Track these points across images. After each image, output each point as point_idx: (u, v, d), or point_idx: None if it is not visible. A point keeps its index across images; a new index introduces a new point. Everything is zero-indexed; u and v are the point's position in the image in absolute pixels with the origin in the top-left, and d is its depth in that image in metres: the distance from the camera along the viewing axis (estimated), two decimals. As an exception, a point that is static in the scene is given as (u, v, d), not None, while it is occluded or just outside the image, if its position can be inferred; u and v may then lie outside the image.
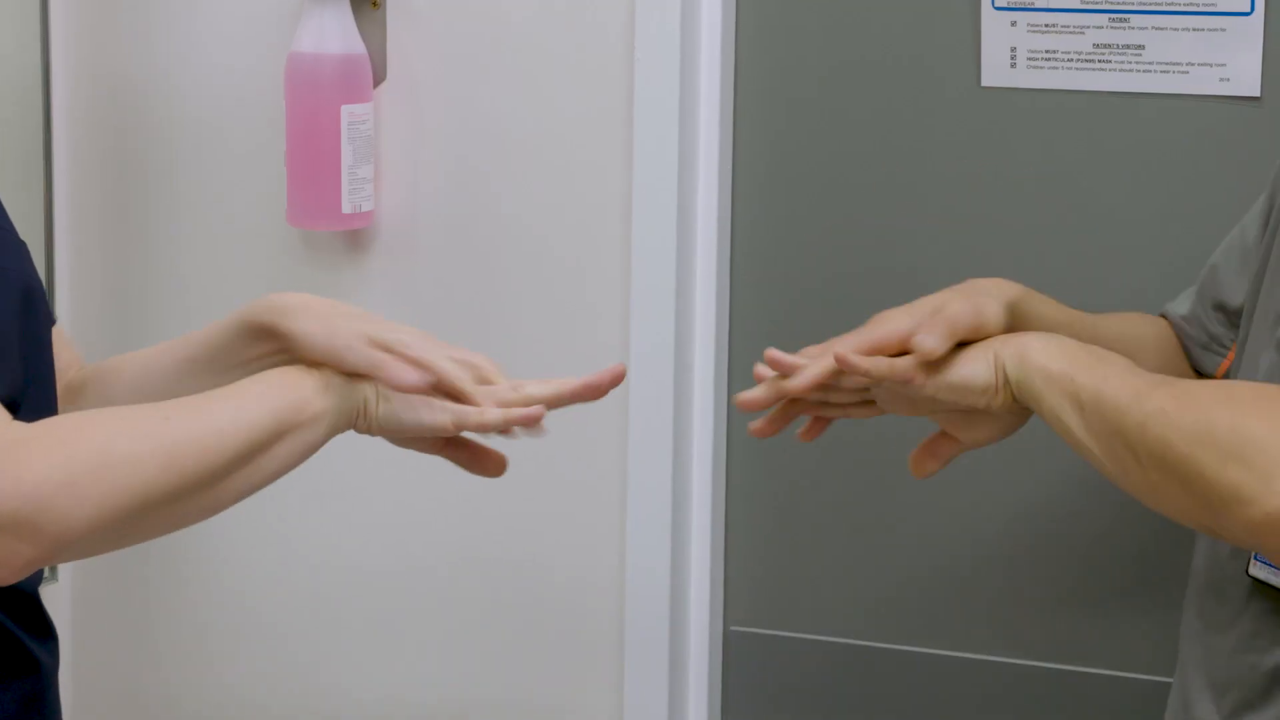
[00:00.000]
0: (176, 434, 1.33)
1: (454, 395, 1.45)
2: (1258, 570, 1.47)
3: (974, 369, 1.49)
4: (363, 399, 1.43)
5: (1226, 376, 1.66)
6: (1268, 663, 1.46)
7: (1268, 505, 1.30)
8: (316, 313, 1.46)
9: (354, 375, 1.43)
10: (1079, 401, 1.43)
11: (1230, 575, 1.51)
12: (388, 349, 1.42)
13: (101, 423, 1.33)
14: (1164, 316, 1.74)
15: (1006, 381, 1.48)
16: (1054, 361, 1.46)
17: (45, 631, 1.49)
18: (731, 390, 2.17)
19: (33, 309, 1.47)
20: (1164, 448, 1.36)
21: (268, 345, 1.49)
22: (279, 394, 1.39)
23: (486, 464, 1.54)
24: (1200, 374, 1.69)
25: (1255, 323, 1.56)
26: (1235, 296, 1.66)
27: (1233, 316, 1.67)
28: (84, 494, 1.28)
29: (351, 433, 1.51)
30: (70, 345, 1.65)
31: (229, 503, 1.37)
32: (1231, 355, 1.67)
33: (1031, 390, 1.47)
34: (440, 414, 1.44)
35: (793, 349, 2.14)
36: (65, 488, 1.27)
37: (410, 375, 1.41)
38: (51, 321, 1.58)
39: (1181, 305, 1.72)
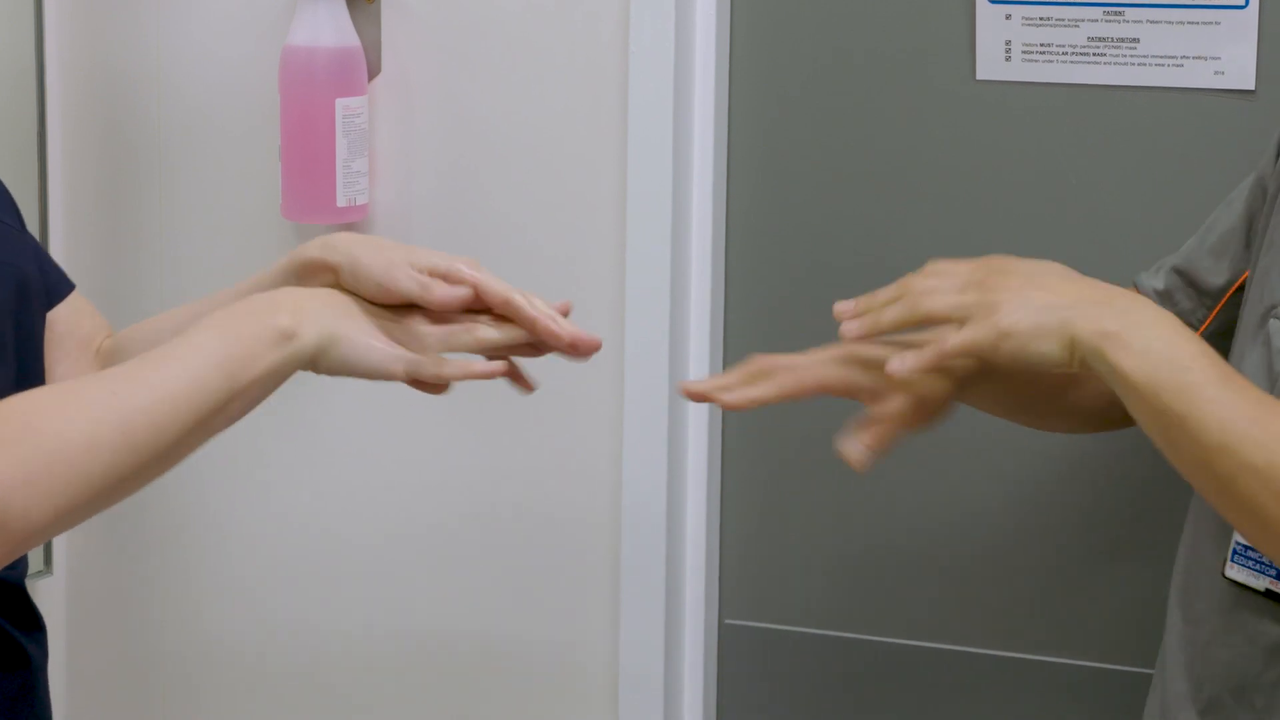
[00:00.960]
0: (126, 410, 1.29)
1: (506, 312, 1.45)
2: (1234, 573, 1.47)
3: (1043, 347, 1.39)
4: (314, 345, 1.39)
5: None
6: (1242, 661, 1.46)
7: None
8: (370, 244, 1.45)
9: (377, 305, 1.42)
10: (1164, 422, 1.36)
11: (1208, 571, 1.50)
12: (438, 273, 1.42)
13: (50, 410, 1.29)
14: (1135, 287, 1.73)
15: (1084, 363, 1.39)
16: (1144, 365, 1.36)
17: (33, 624, 1.49)
18: (726, 384, 2.17)
19: (26, 302, 1.47)
20: (1257, 507, 1.33)
21: (319, 281, 1.46)
22: (228, 349, 1.35)
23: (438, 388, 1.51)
24: None
25: (1243, 320, 1.56)
26: (1208, 276, 1.65)
27: (1203, 296, 1.66)
28: (42, 489, 1.25)
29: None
30: (95, 313, 1.63)
31: (181, 459, 1.35)
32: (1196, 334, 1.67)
33: (1112, 381, 1.38)
34: (394, 363, 1.41)
35: (786, 343, 2.14)
36: (22, 487, 1.24)
37: (452, 292, 1.41)
38: (69, 287, 1.57)
39: (1157, 279, 1.71)
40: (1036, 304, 1.38)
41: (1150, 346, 1.35)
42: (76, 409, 1.30)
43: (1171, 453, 1.37)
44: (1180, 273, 1.68)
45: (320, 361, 1.40)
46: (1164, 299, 1.68)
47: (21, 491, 1.24)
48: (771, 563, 2.17)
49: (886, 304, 1.45)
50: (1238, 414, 1.33)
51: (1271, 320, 1.47)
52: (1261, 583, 1.45)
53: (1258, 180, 1.62)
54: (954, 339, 1.39)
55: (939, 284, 1.42)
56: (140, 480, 1.32)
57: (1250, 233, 1.62)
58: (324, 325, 1.39)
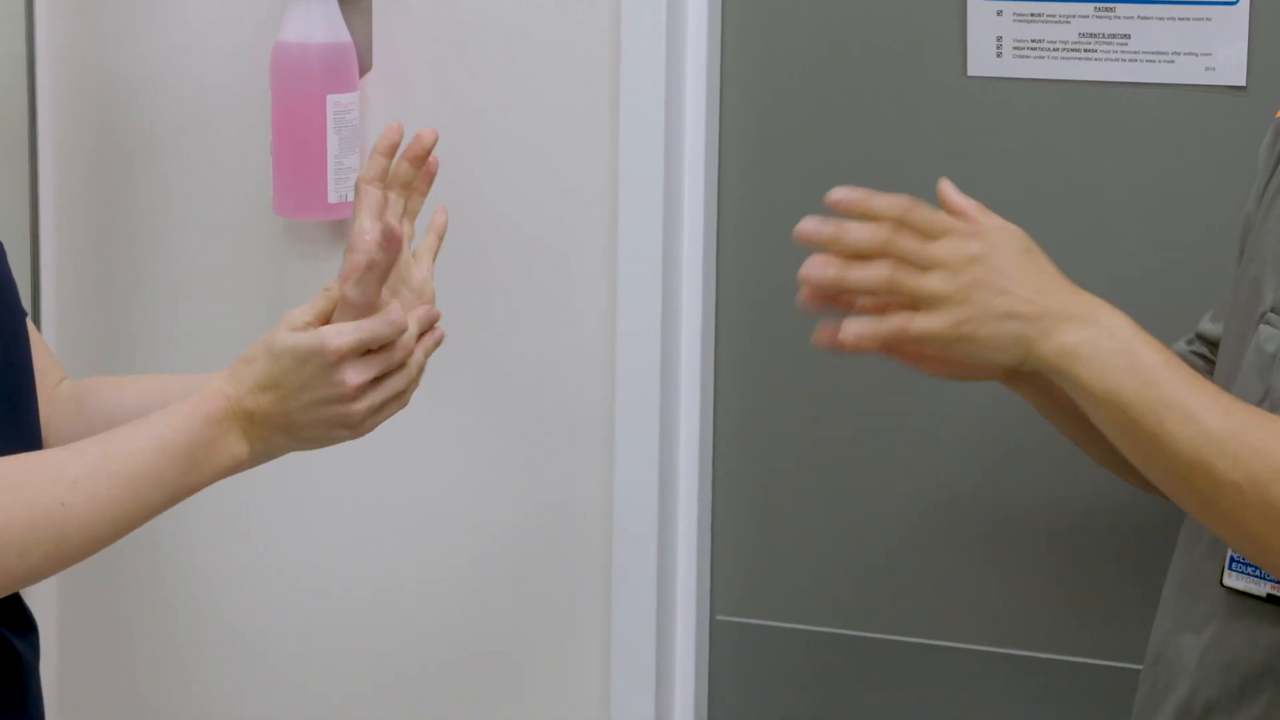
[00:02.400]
0: (69, 523, 1.33)
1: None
2: (1233, 581, 1.46)
3: (996, 357, 1.37)
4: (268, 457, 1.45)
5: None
6: (1241, 665, 1.45)
7: None
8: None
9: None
10: (1134, 438, 1.34)
11: (1205, 578, 1.49)
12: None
13: None
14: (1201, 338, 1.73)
15: (1037, 373, 1.37)
16: (1106, 380, 1.33)
17: (24, 624, 1.48)
18: (718, 382, 2.17)
19: (2, 301, 1.47)
20: (1240, 521, 1.31)
21: None
22: (180, 477, 1.40)
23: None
24: None
25: (1229, 332, 1.56)
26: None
27: None
28: None
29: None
30: (49, 351, 1.64)
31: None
32: None
33: (1077, 397, 1.36)
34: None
35: (778, 342, 2.15)
36: None
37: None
38: (23, 313, 1.58)
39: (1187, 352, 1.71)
40: (999, 312, 1.36)
41: (1113, 361, 1.34)
42: (21, 511, 1.31)
43: (1149, 470, 1.36)
44: (1206, 341, 1.67)
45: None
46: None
47: None
48: (763, 558, 2.17)
49: (868, 251, 1.39)
50: (1209, 429, 1.31)
51: (1262, 326, 1.47)
52: (1263, 589, 1.43)
53: (1245, 221, 1.63)
54: (916, 324, 1.36)
55: (929, 256, 1.37)
56: (56, 571, 1.35)
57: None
58: (278, 447, 1.45)
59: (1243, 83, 1.93)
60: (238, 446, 1.43)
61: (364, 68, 2.16)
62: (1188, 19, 1.94)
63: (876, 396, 2.10)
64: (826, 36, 2.08)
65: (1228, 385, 1.49)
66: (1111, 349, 1.34)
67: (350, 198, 2.14)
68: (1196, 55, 1.95)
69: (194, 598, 2.33)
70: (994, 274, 1.37)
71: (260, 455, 1.45)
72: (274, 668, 2.31)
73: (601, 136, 2.11)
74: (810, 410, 2.14)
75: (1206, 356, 1.68)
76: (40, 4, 2.25)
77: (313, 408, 1.43)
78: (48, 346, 1.64)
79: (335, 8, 2.12)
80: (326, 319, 1.44)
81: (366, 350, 1.42)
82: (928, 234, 1.38)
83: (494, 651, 2.23)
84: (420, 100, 2.16)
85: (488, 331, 2.16)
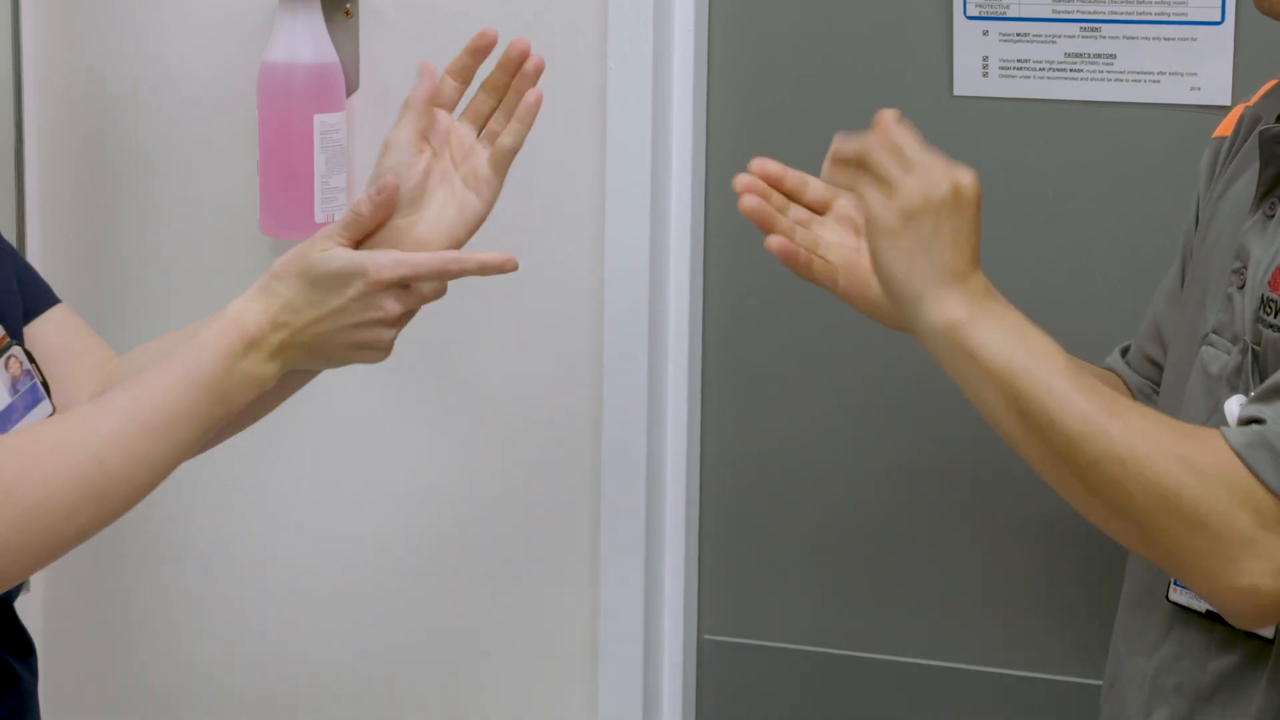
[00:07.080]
0: (110, 479, 1.32)
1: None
2: (1178, 595, 1.47)
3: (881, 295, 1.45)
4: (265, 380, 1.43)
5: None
6: (1190, 688, 1.46)
7: (1237, 583, 1.30)
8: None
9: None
10: (1018, 410, 1.35)
11: (1154, 597, 1.51)
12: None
13: (33, 474, 1.31)
14: (1110, 369, 1.74)
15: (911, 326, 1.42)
16: (985, 345, 1.37)
17: (23, 646, 1.48)
18: (705, 400, 2.17)
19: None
20: (1122, 496, 1.32)
21: None
22: (211, 403, 1.38)
23: None
24: None
25: (1174, 355, 1.57)
26: (1161, 356, 1.67)
27: None
28: (17, 552, 1.28)
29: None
30: (88, 331, 1.63)
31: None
32: None
33: (952, 371, 1.39)
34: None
35: (766, 359, 2.15)
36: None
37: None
38: (50, 302, 1.57)
39: (1123, 364, 1.73)
40: (899, 268, 1.42)
41: (994, 339, 1.37)
42: (62, 474, 1.31)
43: (1029, 451, 1.37)
44: (1150, 361, 1.69)
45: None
46: (1137, 376, 1.70)
47: None
48: (750, 578, 2.17)
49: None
50: (1087, 408, 1.33)
51: (1205, 348, 1.48)
52: (1203, 604, 1.45)
53: (1184, 247, 1.64)
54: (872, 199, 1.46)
55: (902, 177, 1.49)
56: (109, 523, 1.35)
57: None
58: (302, 364, 1.44)
59: (1228, 102, 1.94)
60: (264, 369, 1.42)
61: (351, 87, 2.16)
62: (1173, 39, 1.95)
63: (864, 417, 2.11)
64: (813, 55, 2.08)
65: (1175, 407, 1.51)
66: (996, 328, 1.38)
67: (337, 217, 2.13)
68: (1182, 75, 1.96)
69: (178, 619, 2.33)
70: (921, 236, 1.43)
71: (286, 371, 1.44)
72: (258, 686, 2.31)
73: (589, 154, 2.11)
74: (797, 429, 2.15)
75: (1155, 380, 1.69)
76: (27, 20, 2.24)
77: (347, 331, 1.43)
78: (86, 328, 1.63)
79: (322, 27, 2.12)
80: (357, 243, 1.45)
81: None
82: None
83: (481, 671, 2.22)
84: (407, 119, 2.15)
85: (475, 347, 2.16)
